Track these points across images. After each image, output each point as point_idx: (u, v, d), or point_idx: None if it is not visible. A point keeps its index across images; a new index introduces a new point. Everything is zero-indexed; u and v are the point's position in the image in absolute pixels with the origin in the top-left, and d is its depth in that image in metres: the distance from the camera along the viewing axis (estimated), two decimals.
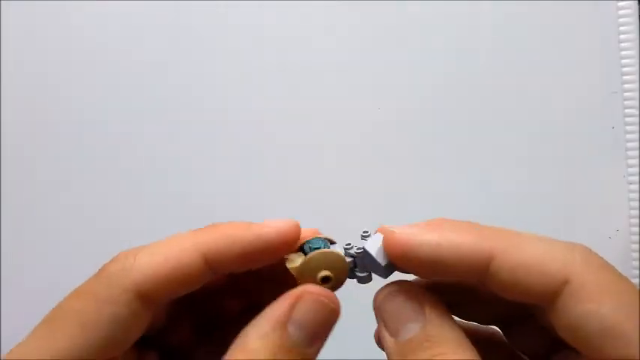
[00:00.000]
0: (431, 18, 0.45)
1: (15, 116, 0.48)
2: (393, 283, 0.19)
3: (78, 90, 0.47)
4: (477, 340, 0.18)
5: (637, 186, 0.41)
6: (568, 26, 0.43)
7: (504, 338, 0.23)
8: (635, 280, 0.41)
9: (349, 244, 0.20)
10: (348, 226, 0.44)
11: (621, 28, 0.42)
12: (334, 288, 0.20)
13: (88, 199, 0.47)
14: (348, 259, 0.20)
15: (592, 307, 0.16)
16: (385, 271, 0.19)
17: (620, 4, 0.42)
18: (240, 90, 0.46)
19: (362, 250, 0.20)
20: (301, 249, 0.20)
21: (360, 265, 0.20)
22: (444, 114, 0.44)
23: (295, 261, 0.20)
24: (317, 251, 0.19)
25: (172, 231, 0.19)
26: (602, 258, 0.17)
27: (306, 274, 0.19)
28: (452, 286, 0.21)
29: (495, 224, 0.46)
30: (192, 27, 0.47)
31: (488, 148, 0.44)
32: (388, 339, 0.18)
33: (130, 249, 0.19)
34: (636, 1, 0.42)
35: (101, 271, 0.18)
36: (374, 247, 0.19)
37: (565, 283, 0.17)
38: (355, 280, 0.20)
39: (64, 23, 0.48)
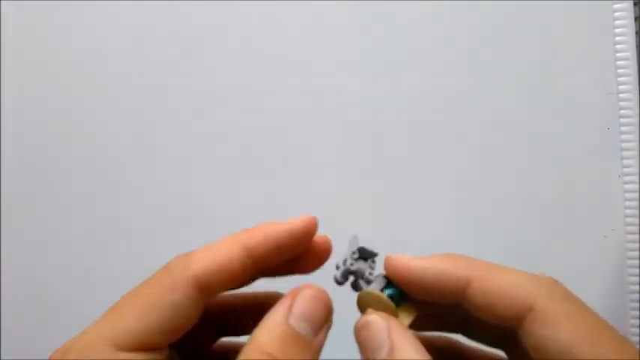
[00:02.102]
0: (430, 17, 0.45)
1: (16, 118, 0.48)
2: (367, 313, 0.22)
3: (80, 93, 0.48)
4: None
5: (632, 185, 0.42)
6: (564, 27, 0.44)
7: None
8: (634, 279, 0.42)
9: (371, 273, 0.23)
10: (348, 228, 0.44)
11: (617, 30, 0.42)
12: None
13: (88, 199, 0.47)
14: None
15: (551, 331, 0.19)
16: None
17: (616, 5, 0.42)
18: (238, 90, 0.46)
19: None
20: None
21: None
22: (442, 114, 0.45)
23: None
24: (363, 292, 0.23)
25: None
26: (566, 290, 0.20)
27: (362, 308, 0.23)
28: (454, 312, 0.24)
29: (493, 224, 0.46)
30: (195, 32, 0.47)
31: (485, 149, 0.44)
32: None
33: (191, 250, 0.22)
34: (632, 3, 0.43)
35: (166, 265, 0.21)
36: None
37: (529, 309, 0.19)
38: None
39: (65, 23, 0.48)
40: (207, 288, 0.21)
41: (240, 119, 0.46)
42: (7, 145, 0.48)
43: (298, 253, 0.23)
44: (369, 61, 0.46)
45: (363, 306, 0.23)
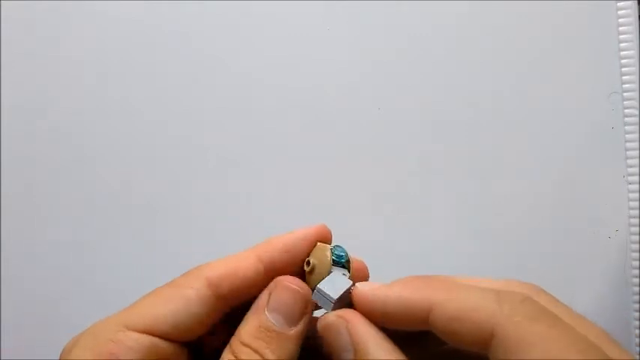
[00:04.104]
0: (431, 17, 0.45)
1: (15, 119, 0.48)
2: (330, 313, 0.21)
3: (79, 93, 0.48)
4: None
5: (637, 186, 0.41)
6: (567, 26, 0.43)
7: None
8: (635, 280, 0.41)
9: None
10: (346, 227, 0.44)
11: (621, 29, 0.42)
12: (316, 277, 0.22)
13: (88, 199, 0.47)
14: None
15: (514, 359, 0.17)
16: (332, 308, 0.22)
17: (620, 4, 0.42)
18: (237, 87, 0.46)
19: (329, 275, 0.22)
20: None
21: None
22: (444, 114, 0.44)
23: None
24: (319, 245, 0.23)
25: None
26: (538, 304, 0.18)
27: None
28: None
29: (495, 225, 0.46)
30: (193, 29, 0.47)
31: (488, 148, 0.44)
32: None
33: None
34: (636, 1, 0.42)
35: (184, 273, 0.23)
36: (332, 285, 0.22)
37: (491, 335, 0.17)
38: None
39: (65, 23, 0.48)
40: (218, 288, 0.22)
41: (238, 119, 0.46)
42: (7, 145, 0.48)
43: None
44: (369, 60, 0.45)
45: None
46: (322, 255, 0.23)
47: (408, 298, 0.20)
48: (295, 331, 0.21)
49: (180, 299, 0.21)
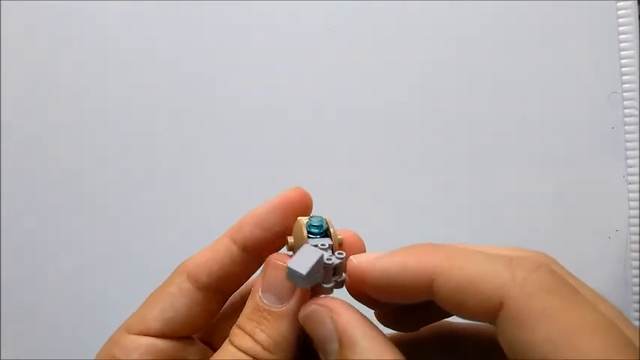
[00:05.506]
0: (430, 17, 0.45)
1: (15, 118, 0.48)
2: (313, 300, 0.20)
3: (79, 90, 0.48)
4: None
5: (636, 186, 0.41)
6: (567, 26, 0.43)
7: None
8: (635, 280, 0.41)
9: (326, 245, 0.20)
10: (346, 227, 0.44)
11: (621, 29, 0.42)
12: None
13: (92, 198, 0.47)
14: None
15: (526, 334, 0.15)
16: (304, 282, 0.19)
17: (620, 4, 0.42)
18: (231, 87, 0.46)
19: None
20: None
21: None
22: (444, 114, 0.44)
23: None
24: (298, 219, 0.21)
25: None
26: (552, 275, 0.16)
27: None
28: None
29: (495, 224, 0.46)
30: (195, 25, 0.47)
31: (487, 148, 0.44)
32: (322, 357, 0.19)
33: None
34: (635, 1, 0.42)
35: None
36: (300, 260, 0.19)
37: (500, 306, 0.16)
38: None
39: (65, 23, 0.48)
40: (197, 279, 0.22)
41: (240, 120, 0.46)
42: (7, 145, 0.48)
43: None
44: (372, 60, 0.45)
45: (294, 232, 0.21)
46: (298, 231, 0.21)
47: (411, 266, 0.18)
48: (286, 308, 0.20)
49: (166, 297, 0.22)
